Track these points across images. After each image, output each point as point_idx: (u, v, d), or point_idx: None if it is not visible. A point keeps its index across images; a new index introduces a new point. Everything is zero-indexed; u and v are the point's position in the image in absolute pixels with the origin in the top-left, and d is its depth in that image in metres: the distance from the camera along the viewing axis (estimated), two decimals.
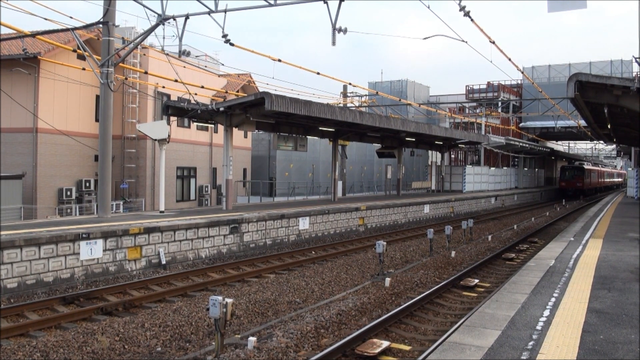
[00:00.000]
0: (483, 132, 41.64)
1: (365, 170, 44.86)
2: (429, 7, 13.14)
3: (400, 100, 41.14)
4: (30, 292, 10.57)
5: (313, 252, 16.45)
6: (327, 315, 8.69)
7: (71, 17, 16.07)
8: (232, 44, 14.17)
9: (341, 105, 32.72)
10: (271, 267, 14.02)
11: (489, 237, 19.40)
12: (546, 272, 8.67)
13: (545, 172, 62.17)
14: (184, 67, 21.45)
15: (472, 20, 13.60)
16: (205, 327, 8.53)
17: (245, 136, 34.35)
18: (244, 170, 34.35)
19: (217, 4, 13.23)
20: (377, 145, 32.30)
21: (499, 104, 46.84)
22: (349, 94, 35.22)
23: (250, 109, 18.30)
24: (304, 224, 18.41)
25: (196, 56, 32.51)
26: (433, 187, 38.30)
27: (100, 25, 15.23)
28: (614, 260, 9.84)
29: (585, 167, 56.03)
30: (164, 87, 23.67)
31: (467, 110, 48.90)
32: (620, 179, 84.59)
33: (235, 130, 19.56)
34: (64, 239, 11.26)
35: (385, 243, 12.56)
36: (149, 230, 13.06)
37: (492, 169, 44.44)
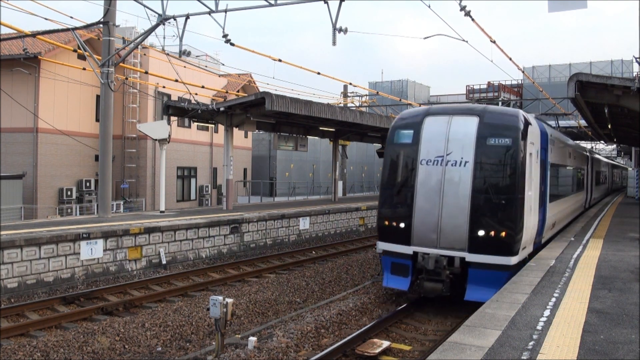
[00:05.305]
0: None
1: (365, 170, 44.85)
2: (429, 7, 13.13)
3: (400, 100, 41.09)
4: (30, 292, 10.57)
5: (313, 252, 16.45)
6: (327, 315, 8.69)
7: (71, 17, 16.10)
8: (232, 44, 14.16)
9: (341, 105, 32.69)
10: (271, 267, 14.01)
11: None
12: (547, 272, 8.65)
13: None
14: (185, 67, 21.42)
15: (472, 19, 13.57)
16: (205, 327, 8.53)
17: (246, 136, 34.33)
18: (245, 170, 34.33)
19: (218, 4, 13.22)
20: (378, 145, 32.25)
21: (500, 103, 46.75)
22: (349, 94, 35.19)
23: (250, 109, 18.30)
24: (304, 224, 18.41)
25: (196, 56, 32.49)
26: None
27: (101, 25, 15.24)
28: (615, 260, 9.82)
29: None
30: (164, 87, 23.66)
31: None
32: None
33: (235, 130, 19.57)
34: (64, 238, 11.26)
35: None
36: (149, 230, 13.06)
37: None
